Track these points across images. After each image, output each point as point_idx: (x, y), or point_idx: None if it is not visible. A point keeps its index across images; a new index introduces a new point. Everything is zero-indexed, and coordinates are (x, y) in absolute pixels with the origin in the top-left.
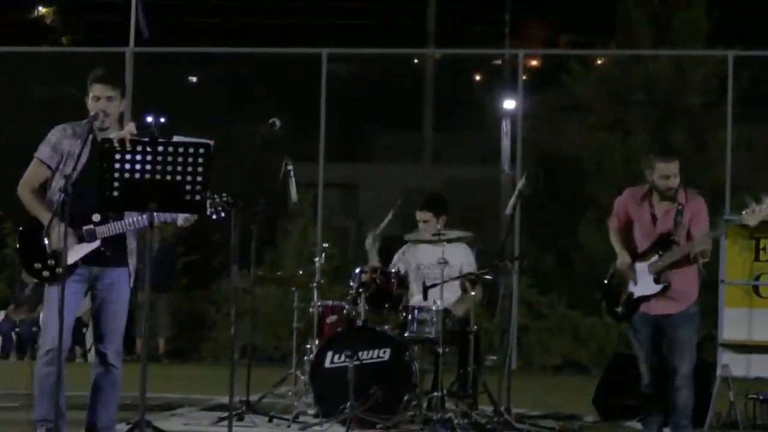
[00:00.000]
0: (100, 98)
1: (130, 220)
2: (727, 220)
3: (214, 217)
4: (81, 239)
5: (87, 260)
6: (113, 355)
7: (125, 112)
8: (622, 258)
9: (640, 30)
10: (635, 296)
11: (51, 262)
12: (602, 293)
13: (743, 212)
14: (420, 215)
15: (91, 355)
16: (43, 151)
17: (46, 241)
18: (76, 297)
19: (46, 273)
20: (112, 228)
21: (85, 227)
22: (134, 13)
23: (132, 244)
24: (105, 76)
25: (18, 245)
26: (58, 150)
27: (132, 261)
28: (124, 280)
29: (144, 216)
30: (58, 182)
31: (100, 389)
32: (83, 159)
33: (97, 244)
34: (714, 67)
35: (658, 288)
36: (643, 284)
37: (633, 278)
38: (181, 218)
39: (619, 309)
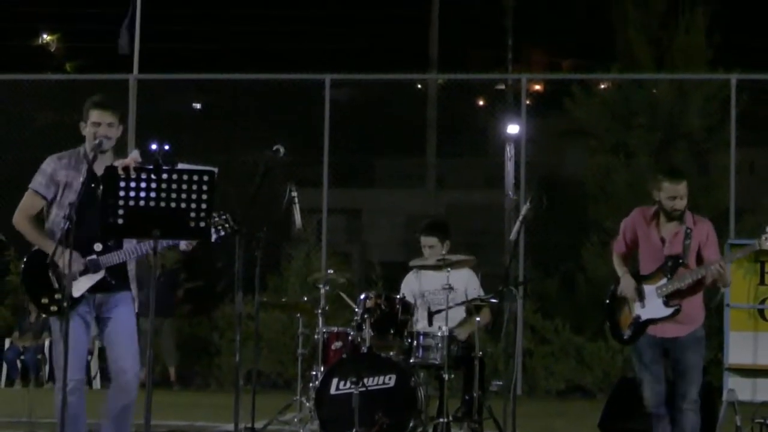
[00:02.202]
0: (100, 124)
1: (132, 247)
2: (733, 245)
3: (216, 236)
4: (86, 270)
5: (91, 289)
6: (131, 377)
7: (129, 138)
8: (626, 283)
9: (641, 54)
10: (642, 319)
11: (58, 296)
12: (606, 316)
13: (763, 237)
14: (425, 240)
15: (96, 382)
16: (38, 182)
17: (51, 274)
18: (87, 328)
19: (54, 308)
20: (115, 257)
21: (88, 258)
22: (138, 40)
23: (133, 270)
24: (104, 102)
25: (23, 278)
26: (55, 180)
27: (134, 286)
28: (129, 301)
29: (145, 243)
30: (57, 213)
31: (114, 414)
32: (81, 185)
33: (102, 274)
34: (715, 90)
35: (668, 311)
36: (652, 307)
37: (640, 301)
38: (184, 243)
39: (626, 332)
